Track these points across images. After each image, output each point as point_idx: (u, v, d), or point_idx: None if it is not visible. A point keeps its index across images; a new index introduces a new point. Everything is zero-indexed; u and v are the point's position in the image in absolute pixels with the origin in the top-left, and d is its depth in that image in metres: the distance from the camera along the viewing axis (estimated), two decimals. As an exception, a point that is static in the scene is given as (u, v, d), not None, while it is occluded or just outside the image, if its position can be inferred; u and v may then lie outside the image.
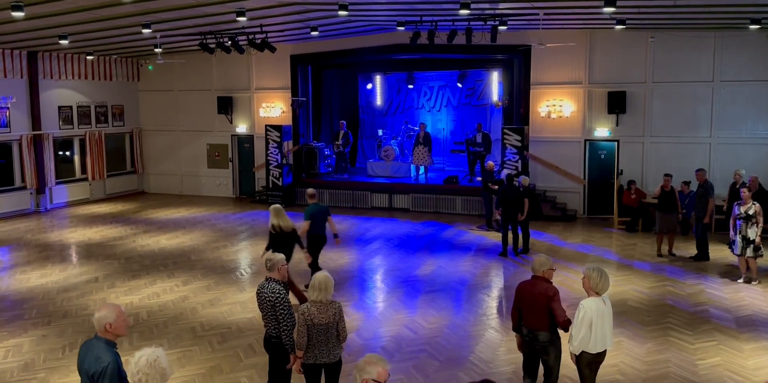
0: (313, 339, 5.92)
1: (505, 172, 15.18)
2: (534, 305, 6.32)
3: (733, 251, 11.39)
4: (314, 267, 10.67)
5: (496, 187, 14.65)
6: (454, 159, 20.71)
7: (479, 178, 16.57)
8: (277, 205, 10.38)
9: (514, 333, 6.68)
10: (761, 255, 11.13)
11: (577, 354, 6.09)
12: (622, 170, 16.38)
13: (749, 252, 11.01)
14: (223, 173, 21.14)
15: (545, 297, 6.24)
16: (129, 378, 3.89)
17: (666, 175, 13.17)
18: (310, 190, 11.23)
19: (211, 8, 12.84)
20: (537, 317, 6.33)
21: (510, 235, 13.17)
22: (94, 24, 13.84)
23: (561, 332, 6.40)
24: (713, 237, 13.71)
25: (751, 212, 10.96)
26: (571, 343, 6.10)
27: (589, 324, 5.95)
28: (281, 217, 10.11)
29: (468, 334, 8.92)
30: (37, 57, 18.39)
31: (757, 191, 13.14)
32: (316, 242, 10.79)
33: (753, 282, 11.03)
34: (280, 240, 10.07)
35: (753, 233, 10.95)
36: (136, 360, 3.84)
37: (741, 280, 11.17)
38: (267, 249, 10.23)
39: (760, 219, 10.96)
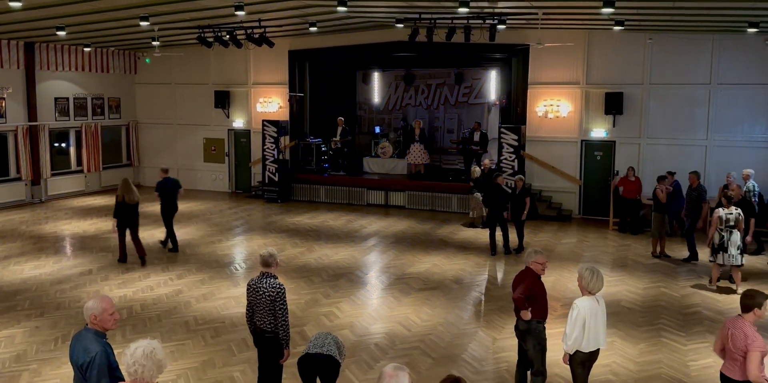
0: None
1: (478, 170, 15.72)
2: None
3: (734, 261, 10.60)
4: (170, 231, 12.96)
5: (472, 184, 15.50)
6: (450, 157, 20.70)
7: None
8: (126, 178, 12.04)
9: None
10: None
11: (571, 353, 6.11)
12: (617, 171, 16.42)
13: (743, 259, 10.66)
14: (220, 167, 21.11)
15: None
16: (125, 370, 3.87)
17: (662, 177, 13.19)
18: (163, 167, 13.60)
19: (210, 2, 12.81)
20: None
21: (500, 235, 13.21)
22: (92, 15, 13.79)
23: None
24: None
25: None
26: (565, 342, 6.11)
27: (583, 323, 5.97)
28: (127, 190, 11.57)
29: (461, 332, 8.94)
30: (34, 48, 18.32)
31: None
32: (168, 210, 12.83)
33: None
34: (126, 210, 11.64)
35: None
36: (132, 351, 3.81)
37: (737, 288, 10.70)
38: (114, 216, 11.80)
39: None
